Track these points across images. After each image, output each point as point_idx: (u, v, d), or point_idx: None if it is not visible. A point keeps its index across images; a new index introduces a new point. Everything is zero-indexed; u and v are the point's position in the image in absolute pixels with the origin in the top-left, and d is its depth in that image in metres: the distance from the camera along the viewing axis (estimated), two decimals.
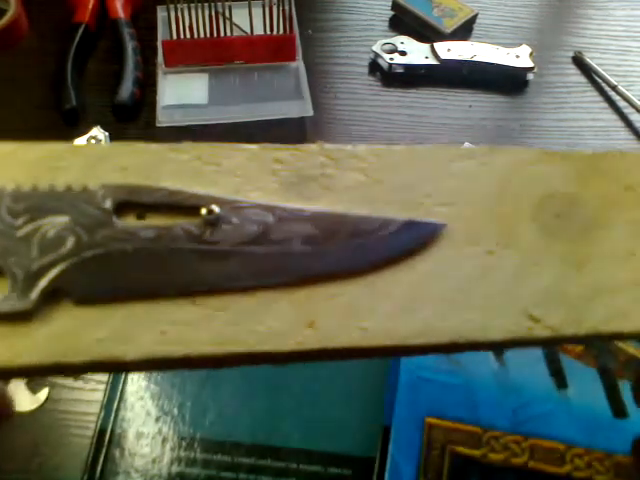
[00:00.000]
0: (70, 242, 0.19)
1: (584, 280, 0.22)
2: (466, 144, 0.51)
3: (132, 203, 0.21)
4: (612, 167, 0.25)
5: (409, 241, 0.22)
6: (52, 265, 0.19)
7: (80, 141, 0.48)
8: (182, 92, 0.52)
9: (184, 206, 0.21)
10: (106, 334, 0.19)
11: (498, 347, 0.22)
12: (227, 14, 0.52)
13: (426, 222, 0.22)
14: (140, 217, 0.21)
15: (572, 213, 0.23)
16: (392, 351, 0.21)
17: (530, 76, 0.57)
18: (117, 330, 0.19)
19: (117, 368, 0.20)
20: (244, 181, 0.22)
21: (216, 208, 0.21)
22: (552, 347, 0.39)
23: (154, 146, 0.22)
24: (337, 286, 0.21)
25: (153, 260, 0.20)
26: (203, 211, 0.21)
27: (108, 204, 0.20)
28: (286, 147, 0.23)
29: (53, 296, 0.19)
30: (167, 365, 0.20)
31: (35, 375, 0.20)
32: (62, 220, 0.20)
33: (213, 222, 0.21)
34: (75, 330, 0.19)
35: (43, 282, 0.19)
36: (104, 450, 0.36)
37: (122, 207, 0.21)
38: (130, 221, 0.21)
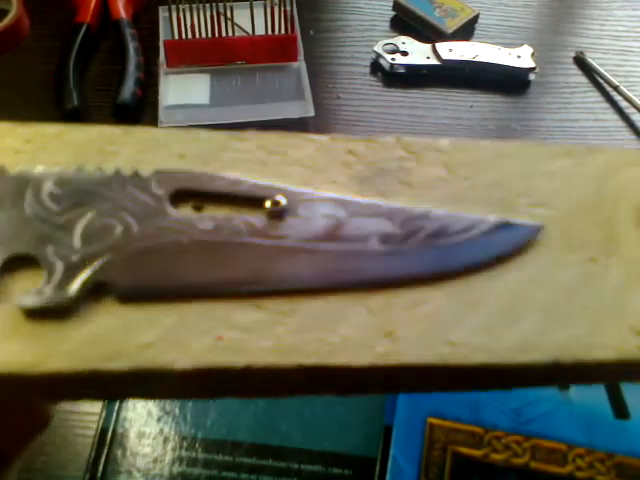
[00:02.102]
0: (118, 232, 0.17)
1: None
2: None
3: (189, 192, 0.19)
4: None
5: (503, 244, 0.19)
6: (96, 256, 0.17)
7: None
8: (184, 92, 0.52)
9: (246, 197, 0.19)
10: (153, 338, 0.17)
11: (601, 370, 0.19)
12: (229, 14, 0.53)
13: (522, 223, 0.20)
14: (197, 209, 0.19)
15: None
16: (487, 371, 0.18)
17: (532, 76, 0.56)
18: (166, 334, 0.17)
19: (163, 379, 0.17)
20: (312, 173, 0.20)
21: (282, 199, 0.19)
22: None
23: (216, 134, 0.21)
24: (420, 292, 0.18)
25: (210, 255, 0.18)
26: (267, 203, 0.18)
27: (162, 191, 0.18)
28: (360, 138, 0.21)
29: (95, 292, 0.17)
30: (222, 377, 0.17)
31: (62, 387, 0.17)
32: (109, 207, 0.18)
33: (279, 215, 0.18)
34: (117, 332, 0.16)
35: (84, 275, 0.16)
36: (106, 450, 0.36)
37: (178, 197, 0.19)
38: (186, 212, 0.19)
